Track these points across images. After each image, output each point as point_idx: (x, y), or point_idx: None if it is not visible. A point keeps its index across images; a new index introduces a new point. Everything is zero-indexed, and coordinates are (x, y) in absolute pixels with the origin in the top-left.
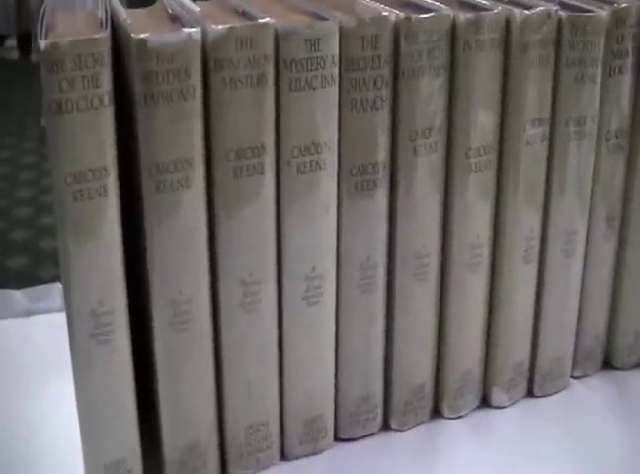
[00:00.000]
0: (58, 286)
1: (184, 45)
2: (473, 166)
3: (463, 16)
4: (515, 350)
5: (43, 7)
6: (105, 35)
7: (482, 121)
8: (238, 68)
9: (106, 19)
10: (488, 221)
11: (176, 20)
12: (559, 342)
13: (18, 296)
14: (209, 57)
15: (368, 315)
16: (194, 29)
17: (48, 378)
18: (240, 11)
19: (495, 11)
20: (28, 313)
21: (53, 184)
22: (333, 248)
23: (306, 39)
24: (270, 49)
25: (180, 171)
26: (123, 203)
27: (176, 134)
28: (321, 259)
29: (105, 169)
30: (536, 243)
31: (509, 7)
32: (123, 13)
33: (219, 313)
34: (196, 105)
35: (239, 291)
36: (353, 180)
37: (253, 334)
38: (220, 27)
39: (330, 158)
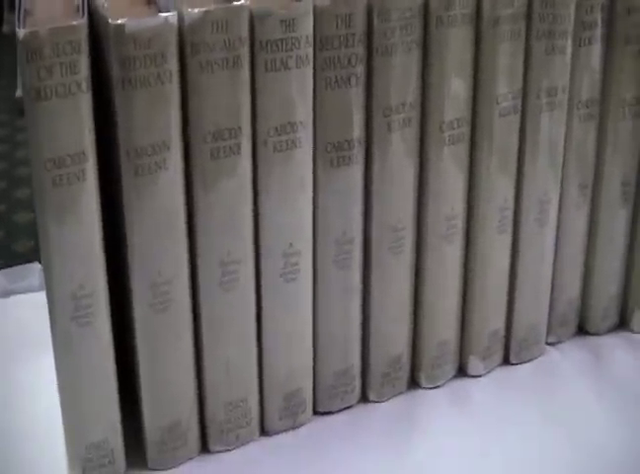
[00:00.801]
0: (37, 266)
1: (160, 30)
2: (447, 139)
3: None
4: (490, 318)
5: None
6: (82, 22)
7: (455, 95)
8: (214, 51)
9: (83, 4)
10: (462, 193)
11: (152, 4)
12: (534, 309)
13: None
14: (186, 41)
15: (345, 290)
16: (170, 13)
17: (29, 359)
18: None
19: None
20: (7, 293)
21: (32, 169)
22: (309, 224)
23: (281, 21)
24: (245, 31)
25: (158, 154)
26: (103, 188)
27: (154, 118)
28: (298, 235)
29: (83, 153)
30: (510, 213)
31: None
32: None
33: (198, 293)
34: (173, 89)
35: (218, 271)
36: (328, 157)
37: (232, 312)
38: (196, 10)
39: (305, 136)
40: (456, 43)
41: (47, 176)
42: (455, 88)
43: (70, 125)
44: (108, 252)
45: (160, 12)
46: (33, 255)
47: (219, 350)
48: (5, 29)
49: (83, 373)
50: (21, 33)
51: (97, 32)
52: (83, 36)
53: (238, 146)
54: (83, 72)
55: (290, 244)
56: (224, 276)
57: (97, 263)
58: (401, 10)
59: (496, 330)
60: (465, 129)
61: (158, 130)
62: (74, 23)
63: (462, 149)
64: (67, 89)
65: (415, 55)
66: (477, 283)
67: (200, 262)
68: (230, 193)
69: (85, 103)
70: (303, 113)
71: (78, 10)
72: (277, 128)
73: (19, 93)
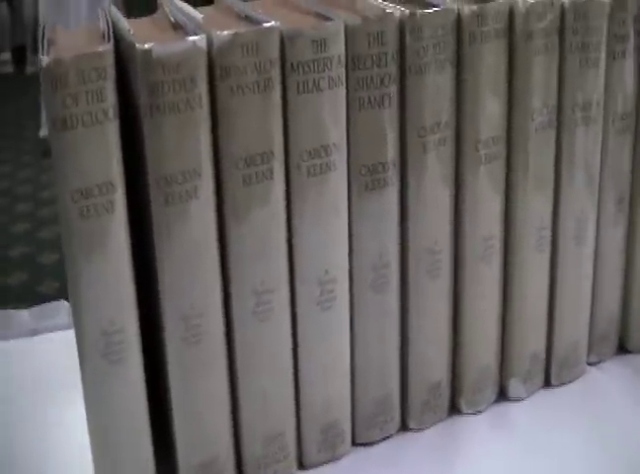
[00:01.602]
0: (64, 304)
1: (189, 54)
2: (483, 158)
3: (468, 8)
4: (530, 340)
5: (42, 22)
6: (108, 47)
7: (490, 113)
8: (245, 74)
9: (108, 31)
10: (499, 213)
11: (179, 28)
12: (574, 329)
13: (24, 315)
14: (215, 65)
15: (383, 315)
16: (198, 36)
17: (57, 398)
18: (243, 15)
19: (499, 1)
20: (33, 332)
21: (58, 201)
22: (345, 250)
23: (312, 41)
24: (275, 53)
25: (188, 182)
26: (131, 218)
27: (184, 145)
28: (333, 262)
29: (112, 184)
30: (547, 232)
31: None
32: (126, 23)
33: (232, 324)
34: (203, 114)
35: (251, 301)
36: (363, 180)
37: (267, 343)
38: (225, 33)
39: (339, 159)
40: (490, 59)
41: (75, 207)
42: (490, 105)
43: (97, 155)
44: (138, 285)
45: (188, 36)
46: (59, 296)
47: (254, 381)
48: (28, 70)
49: (114, 412)
50: (44, 60)
51: (123, 58)
52: (109, 62)
53: (271, 171)
54: (110, 99)
55: (326, 271)
56: (258, 305)
57: (127, 297)
58: (434, 27)
59: (536, 351)
60: (501, 147)
61: (188, 157)
62: (100, 49)
63: (498, 168)
64: (94, 117)
65: (448, 73)
66: (516, 305)
67: (232, 292)
68: (263, 219)
69: (112, 131)
70: (337, 135)
71: (104, 37)
72: (310, 152)
73: (43, 132)
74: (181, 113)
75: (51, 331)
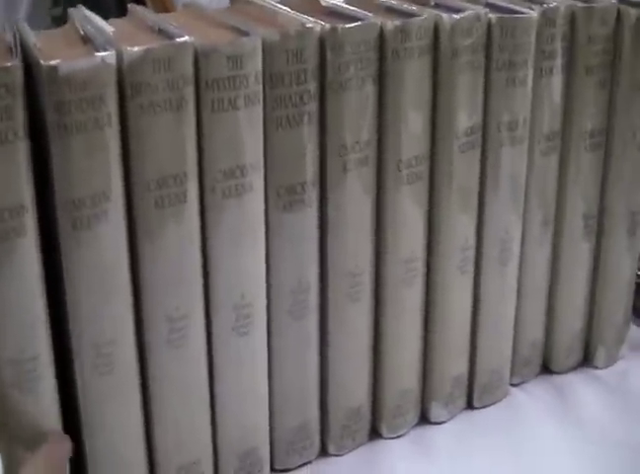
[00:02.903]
0: None
1: (97, 71)
2: (405, 178)
3: (391, 23)
4: (453, 363)
5: None
6: (17, 63)
7: (413, 131)
8: (156, 92)
9: (15, 44)
10: (422, 234)
11: (88, 42)
12: (497, 351)
13: None
14: (125, 82)
15: (302, 340)
16: (107, 52)
17: None
18: (156, 29)
19: (423, 17)
20: None
21: None
22: (262, 274)
23: (228, 57)
24: (189, 70)
25: (97, 206)
26: (45, 243)
27: (92, 167)
28: (250, 286)
29: (22, 206)
30: (471, 253)
31: (437, 12)
32: (32, 36)
33: (145, 352)
34: (112, 134)
35: (165, 327)
36: (280, 201)
37: (181, 370)
38: (135, 49)
39: (256, 180)
40: (413, 76)
41: None
42: (413, 123)
43: (7, 176)
44: (52, 312)
45: (97, 51)
46: None
47: (169, 410)
48: None
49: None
50: None
51: (30, 73)
52: (18, 78)
53: (184, 194)
54: (19, 118)
55: (242, 295)
56: (172, 332)
57: (39, 324)
58: (355, 43)
59: (458, 375)
60: (424, 167)
61: (97, 180)
62: (8, 64)
63: (421, 188)
64: (3, 136)
65: (370, 90)
66: (438, 328)
67: (145, 318)
68: (177, 243)
69: (23, 151)
70: (253, 155)
71: (11, 51)
72: (225, 172)
73: None
74: (89, 132)
75: None
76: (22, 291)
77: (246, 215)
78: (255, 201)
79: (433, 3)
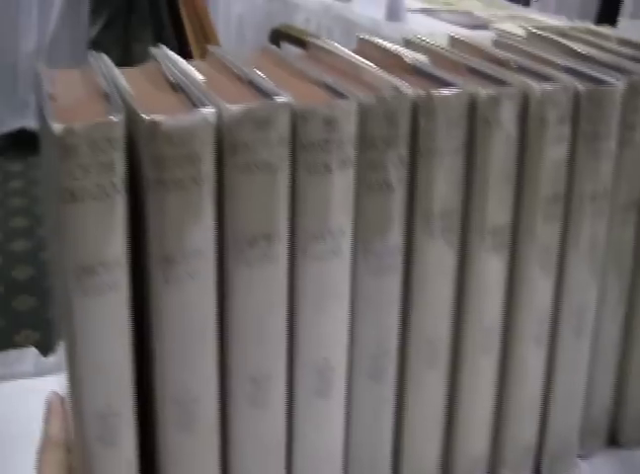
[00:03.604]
0: (33, 351)
1: (198, 128)
2: (489, 246)
3: (484, 92)
4: (524, 432)
5: (38, 72)
6: (121, 118)
7: (499, 199)
8: (254, 152)
9: (111, 90)
10: (501, 302)
11: (179, 90)
12: (567, 421)
13: None
14: (224, 141)
15: (379, 404)
16: (208, 109)
17: (17, 450)
18: (246, 80)
19: (514, 86)
20: None
21: (60, 274)
22: (345, 337)
23: (325, 120)
24: (286, 131)
25: (190, 262)
26: (134, 296)
27: (187, 224)
28: (334, 349)
29: (117, 262)
30: (548, 322)
31: (525, 80)
32: (123, 80)
33: (227, 410)
34: (208, 192)
35: (249, 387)
36: (367, 265)
37: (261, 430)
38: (236, 108)
39: (345, 243)
40: (502, 146)
41: (77, 285)
42: (499, 192)
43: (104, 230)
44: (137, 366)
45: (194, 105)
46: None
47: (247, 469)
48: None
49: None
50: (56, 128)
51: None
52: (121, 132)
53: (274, 254)
54: (119, 171)
55: (325, 358)
56: (255, 392)
57: (125, 380)
58: (448, 110)
59: (528, 443)
60: (507, 236)
61: (191, 237)
62: (114, 119)
63: (504, 257)
64: (103, 190)
65: (459, 158)
66: (511, 395)
67: (229, 377)
68: (264, 303)
69: (120, 205)
70: (343, 218)
71: (106, 98)
72: (315, 235)
73: None
74: (186, 189)
75: (17, 379)
76: (112, 346)
77: (333, 278)
78: (342, 265)
79: (514, 65)
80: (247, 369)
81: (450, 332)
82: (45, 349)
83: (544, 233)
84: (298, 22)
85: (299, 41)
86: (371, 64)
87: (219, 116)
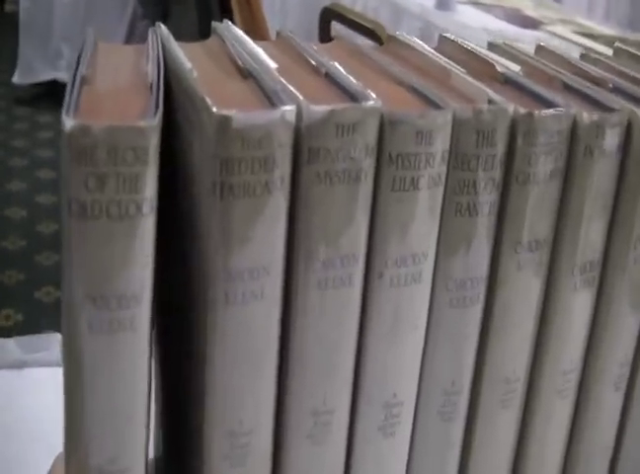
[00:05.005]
0: (58, 336)
1: (275, 128)
2: (577, 284)
3: (587, 116)
4: None
5: (83, 42)
6: (154, 123)
7: (592, 235)
8: (335, 160)
9: (158, 84)
10: (583, 344)
11: (249, 77)
12: (637, 467)
13: (11, 345)
14: (302, 144)
15: (446, 444)
16: (288, 107)
17: (42, 443)
18: (323, 72)
19: (619, 111)
20: (20, 365)
21: (63, 304)
22: (417, 371)
23: (417, 131)
24: (373, 139)
25: (255, 279)
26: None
27: (256, 236)
28: (404, 384)
29: (136, 296)
30: (628, 369)
31: (629, 105)
32: (182, 56)
33: (282, 445)
34: (282, 201)
35: (309, 421)
36: (448, 295)
37: (317, 468)
38: (319, 109)
39: (427, 270)
40: (601, 177)
41: (83, 318)
42: (593, 227)
43: (122, 257)
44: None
45: (270, 100)
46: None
47: None
48: (7, 8)
49: None
50: (68, 123)
51: (173, 104)
52: (153, 142)
53: (350, 277)
54: (148, 191)
55: (394, 394)
56: (315, 427)
57: (138, 430)
58: (549, 133)
59: None
60: (596, 274)
61: (259, 251)
62: (142, 124)
63: (590, 295)
64: (123, 209)
65: (555, 187)
66: (584, 441)
67: (288, 410)
68: (334, 330)
69: (145, 229)
70: (428, 242)
71: (151, 89)
72: (396, 259)
73: (16, 78)
74: (257, 197)
75: (41, 366)
76: (124, 394)
77: (411, 307)
78: (422, 293)
79: (610, 85)
80: (309, 402)
81: (527, 372)
82: None
83: (634, 275)
84: (344, 1)
85: (353, 23)
86: (461, 69)
87: (298, 115)
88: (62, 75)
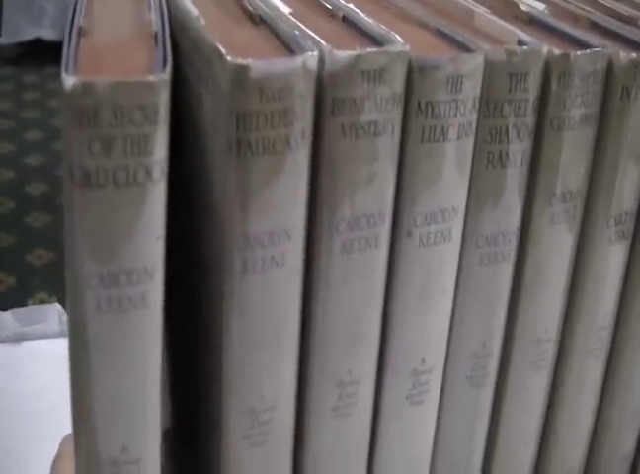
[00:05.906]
0: (56, 307)
1: (296, 77)
2: (612, 236)
3: (624, 56)
4: (623, 442)
5: None
6: (165, 76)
7: (629, 184)
8: (361, 111)
9: (163, 34)
10: (615, 300)
11: (261, 23)
12: None
13: (7, 318)
14: (325, 94)
15: (474, 411)
16: (309, 54)
17: (41, 416)
18: (340, 15)
19: None
20: (18, 338)
21: (67, 282)
22: (446, 335)
23: (448, 77)
24: (401, 87)
25: (275, 245)
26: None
27: (274, 196)
28: (432, 349)
29: (147, 271)
30: None
31: None
32: (191, 7)
33: (304, 420)
34: (303, 158)
35: (334, 393)
36: (478, 253)
37: (342, 441)
38: (343, 54)
39: (457, 227)
40: (638, 120)
41: (91, 297)
42: (630, 175)
43: (131, 227)
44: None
45: (286, 46)
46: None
47: None
48: None
49: None
50: (68, 81)
51: (180, 53)
52: (163, 99)
53: (376, 238)
54: (158, 152)
55: (423, 360)
56: (340, 399)
57: (151, 415)
58: (585, 75)
59: (627, 454)
60: (631, 225)
61: (280, 212)
62: (150, 78)
63: (625, 249)
64: (131, 175)
65: (590, 132)
66: (616, 404)
67: (311, 383)
68: (360, 295)
69: (157, 196)
70: (459, 197)
71: (156, 41)
72: (425, 216)
73: (2, 39)
74: (276, 154)
75: (39, 338)
76: (134, 377)
77: (440, 268)
78: (452, 251)
79: None
80: (333, 373)
81: (559, 331)
82: (58, 270)
83: None
84: None
85: None
86: (480, 5)
87: (320, 62)
88: (46, 32)
